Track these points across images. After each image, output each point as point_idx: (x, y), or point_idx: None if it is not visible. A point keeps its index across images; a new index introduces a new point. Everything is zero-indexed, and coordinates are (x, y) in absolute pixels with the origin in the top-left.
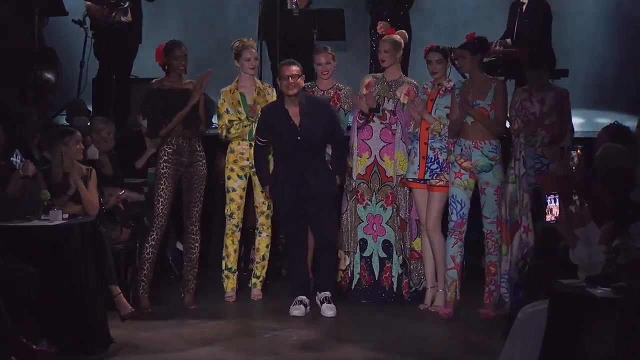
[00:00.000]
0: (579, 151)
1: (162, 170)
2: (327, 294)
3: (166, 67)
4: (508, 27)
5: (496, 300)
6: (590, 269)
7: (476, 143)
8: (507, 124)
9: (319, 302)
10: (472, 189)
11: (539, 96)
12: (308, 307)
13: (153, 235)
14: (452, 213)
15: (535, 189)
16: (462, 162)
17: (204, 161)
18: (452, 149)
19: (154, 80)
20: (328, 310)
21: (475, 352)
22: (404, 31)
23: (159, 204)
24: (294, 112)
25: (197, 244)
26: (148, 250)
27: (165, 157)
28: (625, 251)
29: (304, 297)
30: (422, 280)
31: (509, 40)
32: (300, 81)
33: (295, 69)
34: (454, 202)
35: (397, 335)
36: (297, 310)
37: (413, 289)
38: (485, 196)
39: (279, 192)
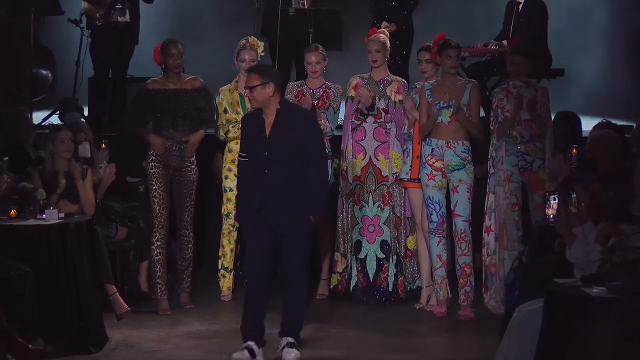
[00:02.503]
0: (574, 150)
1: (152, 171)
2: (291, 339)
3: (163, 66)
4: (504, 26)
5: (472, 300)
6: (586, 268)
7: (449, 143)
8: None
9: (280, 347)
10: (445, 188)
11: (515, 92)
12: (256, 358)
13: (157, 235)
14: (431, 214)
15: (522, 186)
16: (433, 163)
17: (194, 167)
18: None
19: (149, 80)
20: (288, 354)
21: (471, 351)
22: (385, 30)
23: (155, 204)
24: (268, 121)
25: (190, 245)
26: (156, 252)
27: (154, 157)
28: (620, 250)
29: (252, 344)
30: (416, 278)
31: (505, 42)
32: (261, 91)
33: (254, 77)
34: (432, 204)
35: (393, 335)
36: (240, 356)
37: (408, 287)
38: (458, 194)
39: (240, 214)
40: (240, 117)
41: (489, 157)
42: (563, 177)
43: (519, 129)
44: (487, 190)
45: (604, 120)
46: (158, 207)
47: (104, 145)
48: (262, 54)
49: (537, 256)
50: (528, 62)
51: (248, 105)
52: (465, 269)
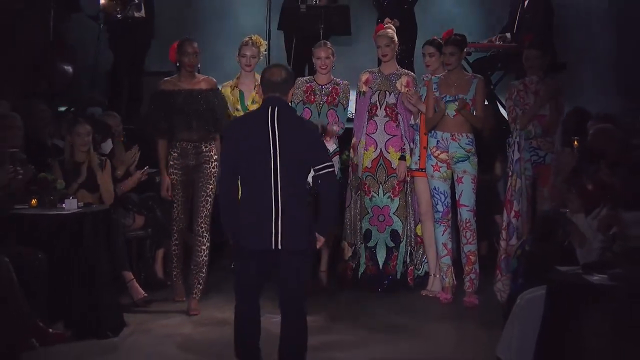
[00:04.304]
0: (575, 142)
1: (172, 177)
2: None
3: (178, 64)
4: (509, 20)
5: (476, 287)
6: (588, 256)
7: (454, 135)
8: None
9: None
10: (450, 179)
11: (533, 88)
12: None
13: (175, 235)
14: (437, 204)
15: (532, 181)
16: (438, 154)
17: (212, 161)
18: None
19: (162, 80)
20: None
21: (476, 336)
22: (391, 25)
23: (174, 209)
24: None
25: (204, 247)
26: (173, 248)
27: (172, 163)
28: (622, 240)
29: None
30: (424, 262)
31: (508, 35)
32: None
33: None
34: (438, 194)
35: (401, 322)
36: None
37: (416, 275)
38: (462, 184)
39: None
40: (240, 114)
41: (512, 143)
42: (570, 169)
43: (535, 123)
44: (513, 176)
45: (601, 113)
46: (176, 212)
47: (122, 138)
48: (265, 52)
49: (540, 244)
50: (543, 56)
51: (247, 103)
52: (470, 257)
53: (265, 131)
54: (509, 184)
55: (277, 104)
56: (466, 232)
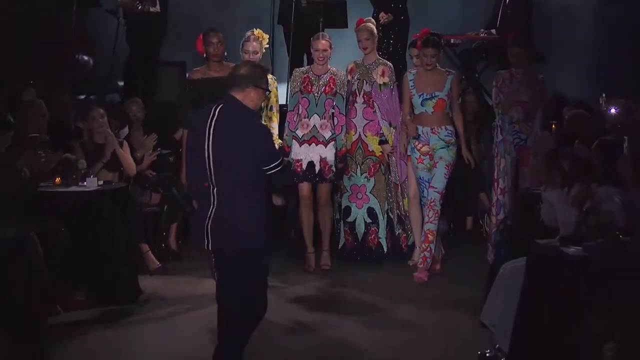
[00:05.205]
0: (554, 126)
1: None
2: None
3: (205, 55)
4: (492, 16)
5: (428, 265)
6: (564, 229)
7: (434, 129)
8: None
9: None
10: None
11: (519, 77)
12: None
13: None
14: (422, 191)
15: (515, 161)
16: (420, 147)
17: None
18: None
19: (193, 70)
20: None
21: (461, 304)
22: (372, 19)
23: None
24: None
25: None
26: None
27: None
28: (594, 214)
29: None
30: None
31: (493, 31)
32: None
33: None
34: (422, 182)
35: (393, 294)
36: None
37: (411, 241)
38: (436, 169)
39: None
40: None
41: (496, 126)
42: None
43: (517, 109)
44: (497, 156)
45: (576, 99)
46: None
47: (140, 123)
48: (267, 45)
49: (521, 219)
50: (526, 52)
51: None
52: (429, 235)
53: (204, 132)
54: (495, 163)
55: (224, 102)
56: (429, 211)
